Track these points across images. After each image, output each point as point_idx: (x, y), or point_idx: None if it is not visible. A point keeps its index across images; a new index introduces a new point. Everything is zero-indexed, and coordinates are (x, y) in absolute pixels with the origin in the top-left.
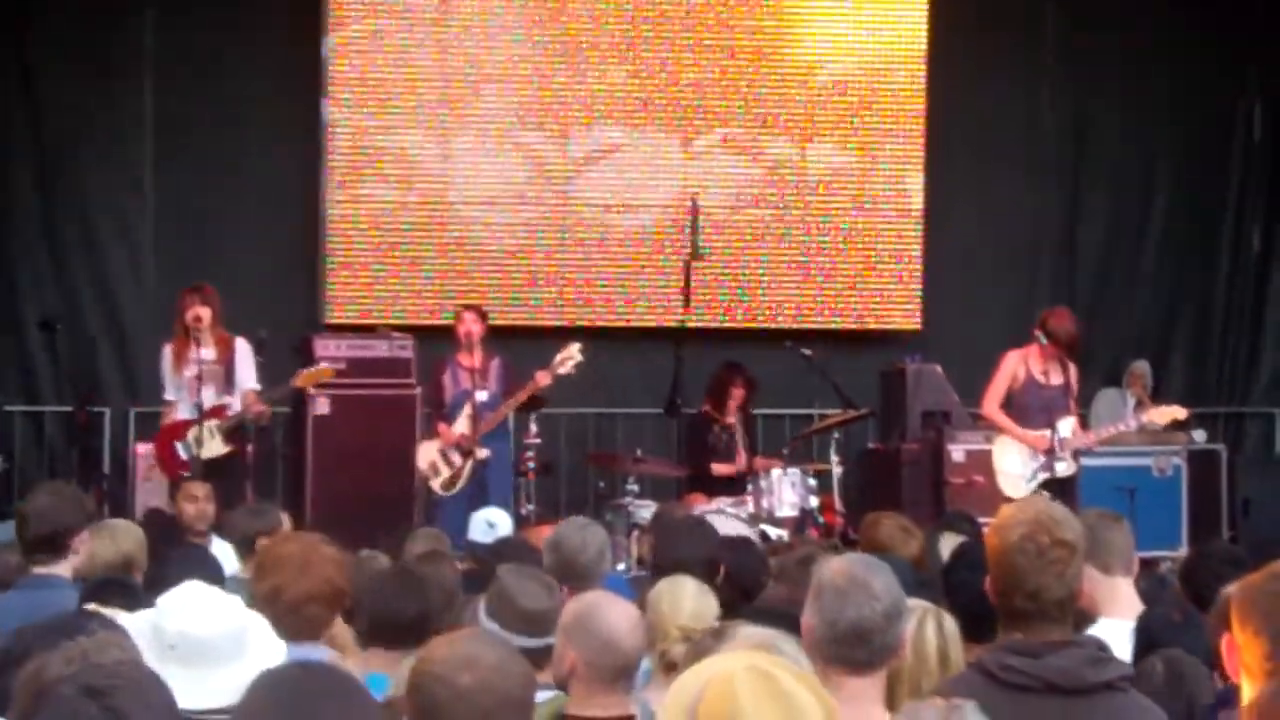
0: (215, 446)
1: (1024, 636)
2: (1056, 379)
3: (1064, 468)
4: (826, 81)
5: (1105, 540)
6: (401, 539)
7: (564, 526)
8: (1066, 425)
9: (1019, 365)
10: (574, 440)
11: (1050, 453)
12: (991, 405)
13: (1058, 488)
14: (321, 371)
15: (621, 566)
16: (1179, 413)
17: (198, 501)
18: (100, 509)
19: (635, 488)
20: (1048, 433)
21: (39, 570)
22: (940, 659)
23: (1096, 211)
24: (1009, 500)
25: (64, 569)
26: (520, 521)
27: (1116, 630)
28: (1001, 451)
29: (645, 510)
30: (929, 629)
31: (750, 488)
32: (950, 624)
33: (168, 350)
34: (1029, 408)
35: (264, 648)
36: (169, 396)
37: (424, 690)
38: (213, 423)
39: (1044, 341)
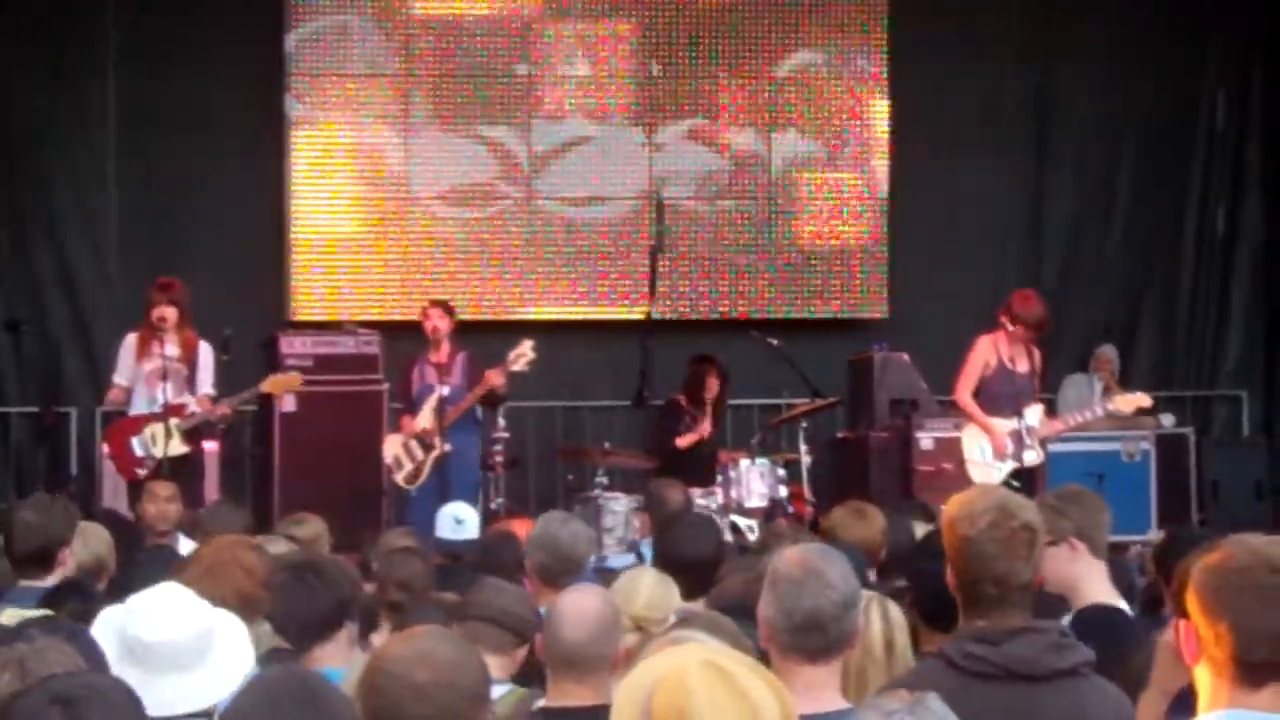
0: (174, 445)
1: (986, 623)
2: (1024, 365)
3: (1032, 457)
4: (789, 71)
5: (1097, 521)
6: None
7: (549, 525)
8: (1034, 413)
9: (990, 351)
10: (542, 433)
11: (1019, 442)
12: (964, 393)
13: (1025, 476)
14: (291, 380)
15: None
16: (1144, 400)
17: (158, 501)
18: None
19: (604, 480)
20: (1016, 422)
21: (25, 583)
22: (886, 646)
23: (1062, 197)
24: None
25: (53, 581)
26: (489, 516)
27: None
28: (971, 440)
29: (615, 503)
30: (874, 617)
31: (719, 478)
32: (895, 612)
33: (132, 338)
34: (999, 395)
35: (231, 653)
36: (119, 379)
37: (379, 687)
38: (174, 421)
39: (1011, 326)
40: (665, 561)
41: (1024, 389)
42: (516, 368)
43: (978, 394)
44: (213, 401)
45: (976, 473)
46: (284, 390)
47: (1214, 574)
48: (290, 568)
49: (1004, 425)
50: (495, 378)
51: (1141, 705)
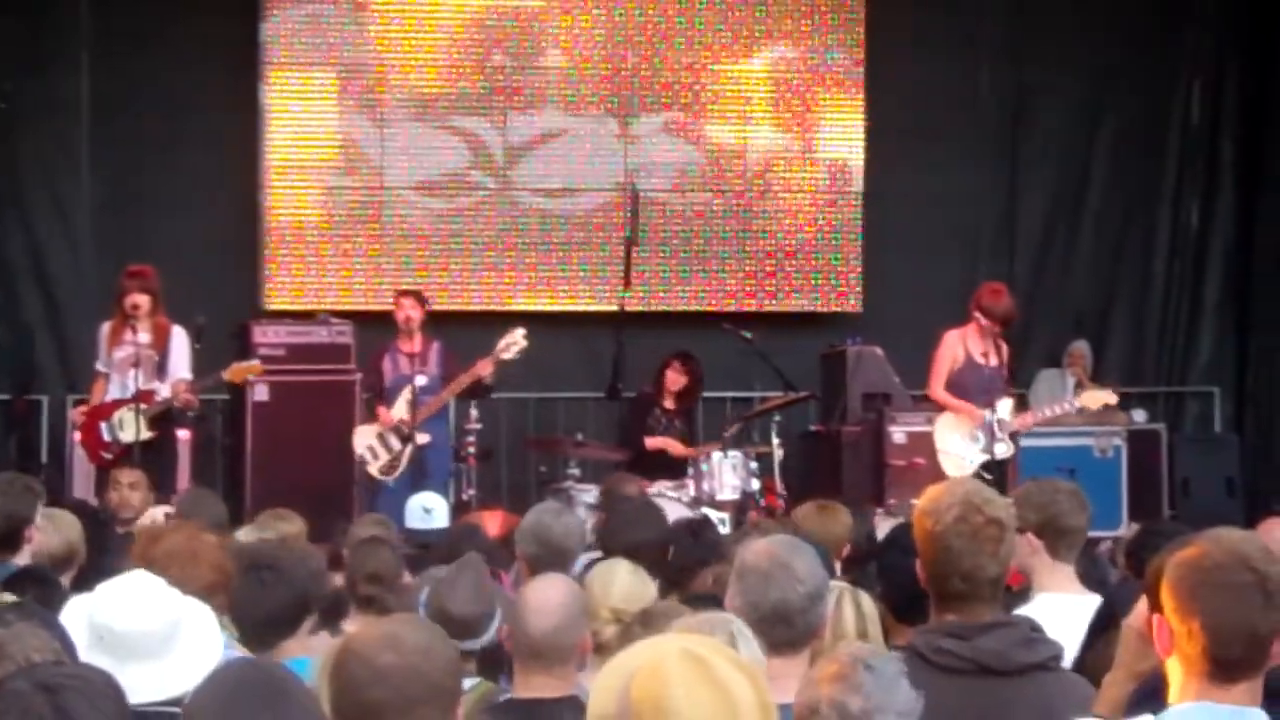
0: (141, 431)
1: (957, 618)
2: (993, 359)
3: (1003, 450)
4: (765, 65)
5: (1067, 527)
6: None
7: (542, 516)
8: (1005, 407)
9: (958, 345)
10: (514, 424)
11: (990, 435)
12: (937, 387)
13: (995, 470)
14: (252, 367)
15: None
16: (1110, 398)
17: (121, 488)
18: None
19: (576, 471)
20: (987, 414)
21: None
22: (860, 638)
23: (1036, 192)
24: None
25: (23, 559)
26: (461, 507)
27: (1057, 606)
28: (943, 432)
29: (587, 495)
30: (847, 609)
31: (691, 471)
32: (868, 603)
33: (106, 327)
34: (969, 388)
35: (199, 642)
36: (100, 367)
37: (344, 669)
38: (141, 407)
39: (982, 320)
40: (607, 549)
41: (993, 382)
42: (507, 356)
43: (947, 388)
44: (189, 385)
45: (949, 464)
46: (245, 377)
47: (1188, 570)
48: (247, 567)
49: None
50: (484, 368)
51: (1106, 685)
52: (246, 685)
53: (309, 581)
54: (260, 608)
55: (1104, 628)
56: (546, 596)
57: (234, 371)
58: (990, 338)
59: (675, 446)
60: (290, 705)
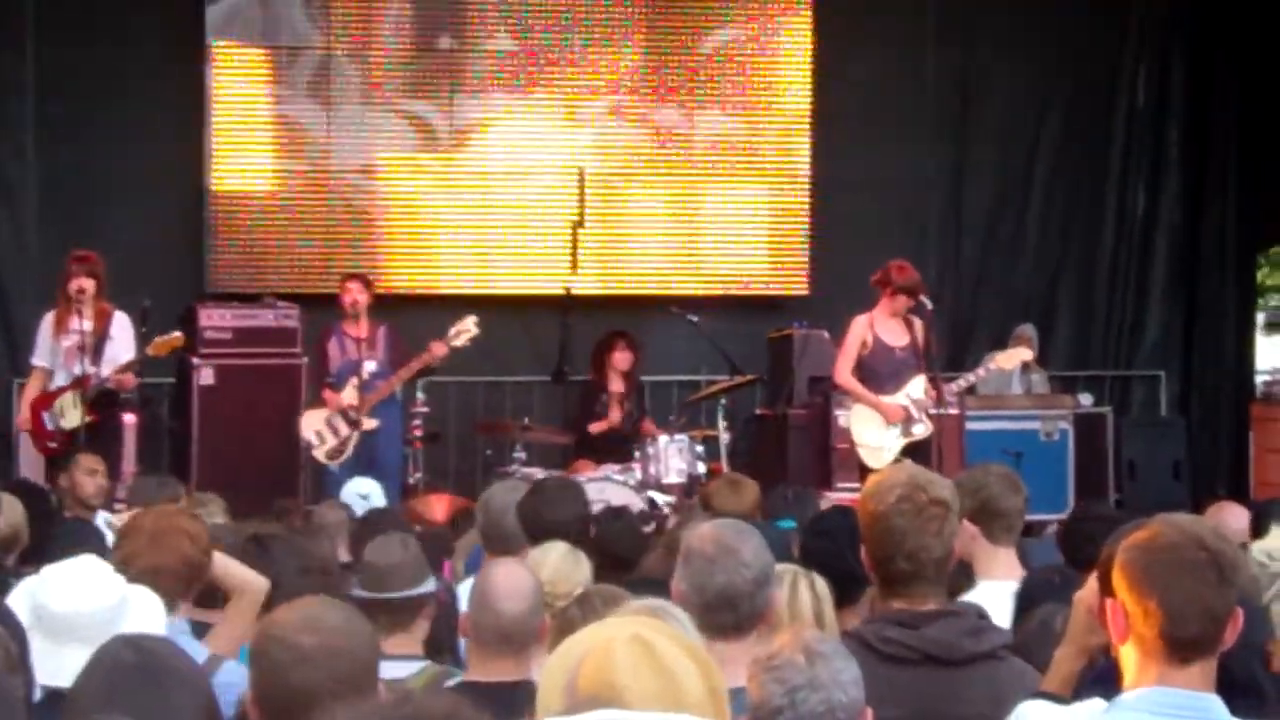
0: (76, 416)
1: (903, 603)
2: (903, 339)
3: (921, 429)
4: (712, 48)
5: (1001, 510)
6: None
7: (493, 490)
8: (917, 385)
9: (866, 330)
10: (462, 408)
11: (907, 417)
12: (845, 373)
13: (917, 450)
14: (172, 340)
15: None
16: (1025, 354)
17: (80, 473)
18: None
19: (523, 455)
20: (902, 396)
21: None
22: (816, 619)
23: (982, 176)
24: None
25: None
26: (408, 491)
27: (998, 592)
28: (859, 423)
29: (534, 478)
30: (803, 590)
31: (638, 454)
32: (821, 584)
33: (49, 317)
34: (880, 373)
35: (140, 627)
36: (37, 361)
37: (266, 653)
38: (77, 392)
39: (894, 296)
40: (528, 529)
41: (904, 364)
42: (458, 343)
43: (859, 375)
44: (121, 367)
45: (867, 456)
46: (168, 351)
47: (1142, 551)
48: (244, 540)
49: (890, 400)
50: (440, 349)
51: (1056, 661)
52: (125, 666)
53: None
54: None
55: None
56: (518, 580)
57: (156, 346)
58: (899, 319)
59: (614, 420)
60: (171, 681)
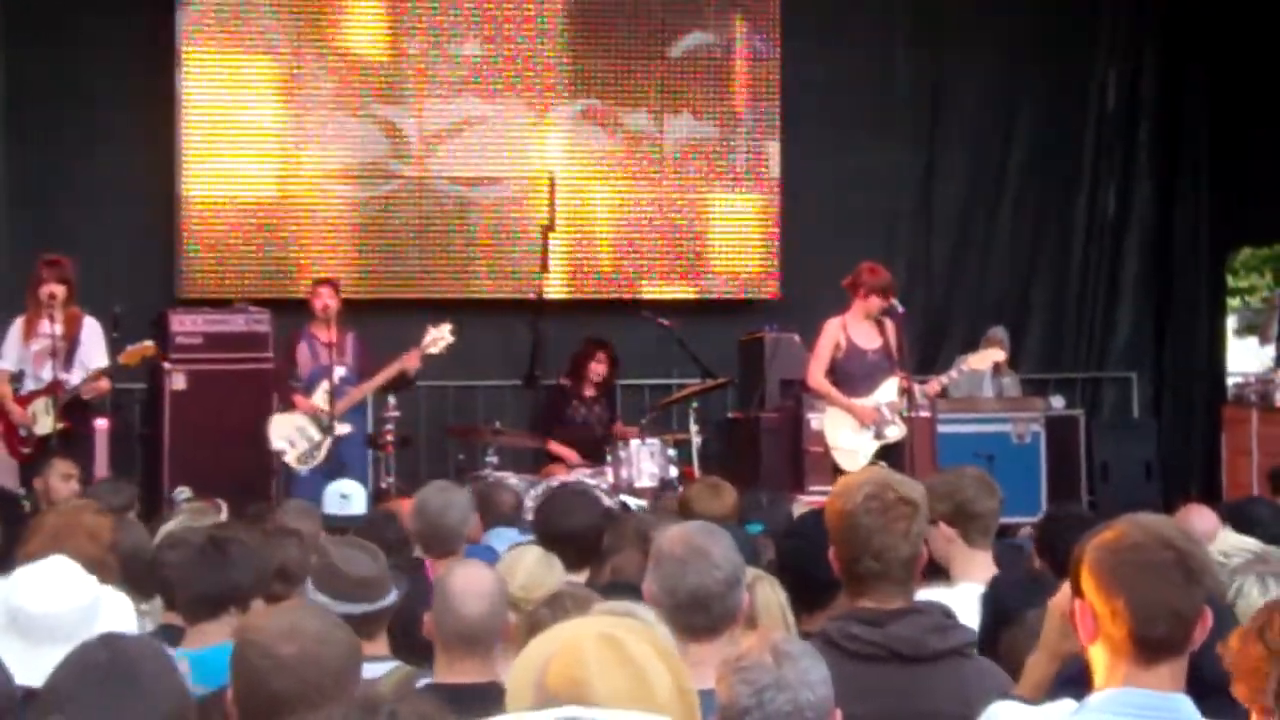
0: (48, 423)
1: (870, 603)
2: (876, 341)
3: (894, 432)
4: (682, 52)
5: (976, 512)
6: (260, 515)
7: (426, 490)
8: (890, 388)
9: (839, 333)
10: (433, 412)
11: (880, 419)
12: (817, 376)
13: (893, 453)
14: (144, 349)
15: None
16: (998, 354)
17: (55, 478)
18: None
19: (494, 459)
20: (874, 399)
21: None
22: (783, 618)
23: (953, 177)
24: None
25: None
26: (380, 495)
27: (970, 594)
28: (833, 427)
29: (506, 482)
30: (768, 590)
31: (610, 458)
32: (778, 585)
33: (19, 322)
34: (853, 375)
35: (114, 627)
36: (4, 366)
37: (246, 661)
38: (48, 398)
39: (866, 297)
40: (543, 535)
41: (877, 367)
42: (434, 350)
43: (832, 378)
44: (94, 375)
45: (842, 459)
46: (140, 359)
47: (1109, 551)
48: (201, 541)
49: (864, 403)
50: (412, 360)
51: (1029, 667)
52: (97, 665)
53: (250, 574)
54: (197, 583)
55: (993, 623)
56: (478, 581)
57: (128, 354)
58: (871, 322)
59: (573, 456)
60: (144, 680)
